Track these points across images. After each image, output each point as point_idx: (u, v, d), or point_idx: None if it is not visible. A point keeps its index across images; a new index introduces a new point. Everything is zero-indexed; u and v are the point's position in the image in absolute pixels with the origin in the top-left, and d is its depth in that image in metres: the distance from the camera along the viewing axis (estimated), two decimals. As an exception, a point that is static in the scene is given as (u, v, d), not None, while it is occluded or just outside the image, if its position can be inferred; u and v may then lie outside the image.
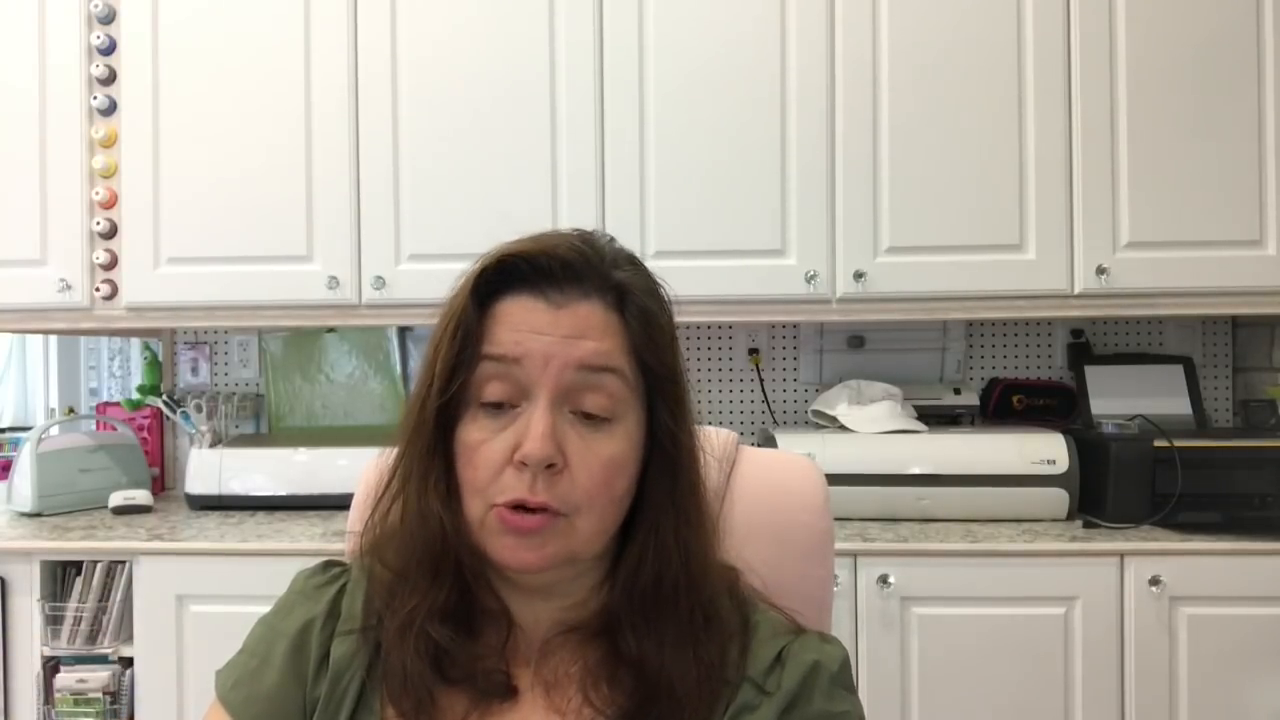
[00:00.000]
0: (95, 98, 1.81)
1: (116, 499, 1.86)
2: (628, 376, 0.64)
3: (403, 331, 2.20)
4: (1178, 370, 1.94)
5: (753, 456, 0.85)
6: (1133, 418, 1.79)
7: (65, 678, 1.61)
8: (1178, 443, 1.64)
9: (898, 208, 1.74)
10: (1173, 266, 1.71)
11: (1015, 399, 2.02)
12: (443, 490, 0.64)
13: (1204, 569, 1.52)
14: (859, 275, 1.74)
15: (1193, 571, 1.52)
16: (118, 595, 1.61)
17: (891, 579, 1.53)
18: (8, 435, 2.44)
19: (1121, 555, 1.53)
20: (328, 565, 0.74)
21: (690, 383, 0.69)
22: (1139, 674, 1.51)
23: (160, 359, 2.21)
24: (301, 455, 1.92)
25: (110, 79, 1.82)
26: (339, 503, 1.77)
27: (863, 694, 0.76)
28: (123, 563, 1.62)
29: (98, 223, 1.81)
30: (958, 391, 1.99)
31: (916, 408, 1.91)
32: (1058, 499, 1.68)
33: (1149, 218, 1.71)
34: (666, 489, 0.66)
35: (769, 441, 1.82)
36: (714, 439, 0.81)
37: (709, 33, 1.76)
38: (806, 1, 1.74)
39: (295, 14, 1.80)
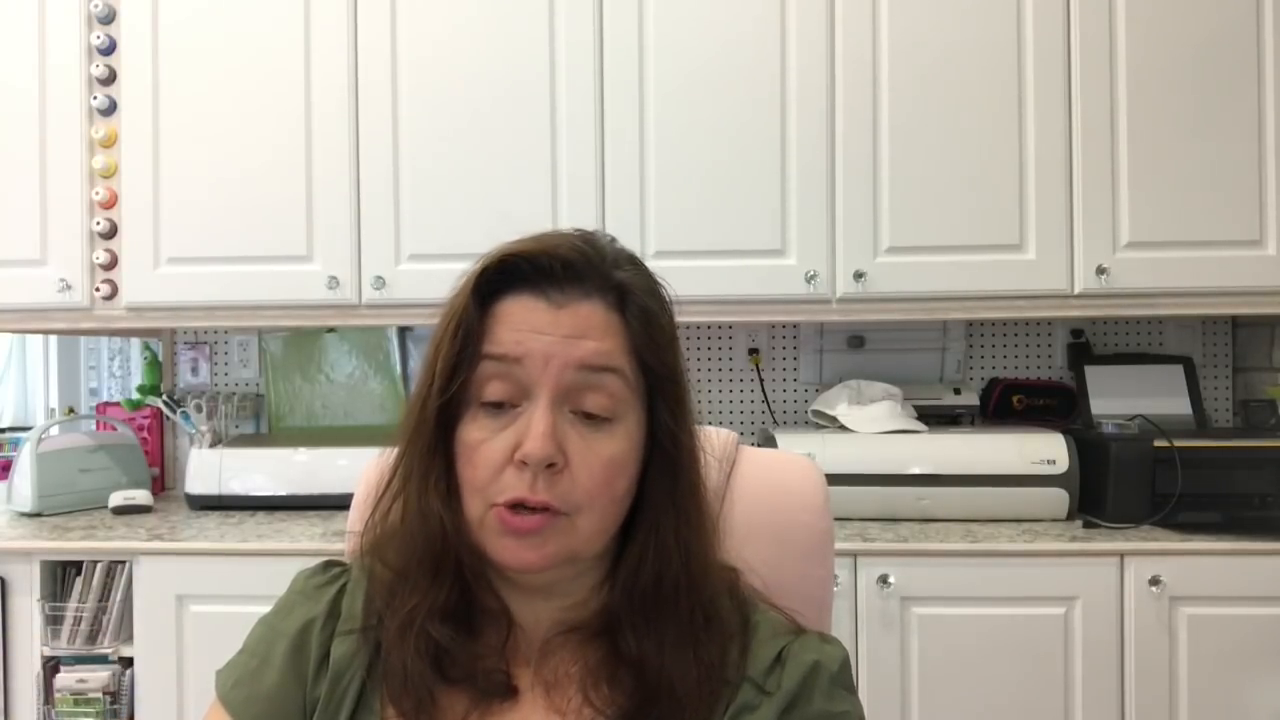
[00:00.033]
0: (95, 98, 1.81)
1: (116, 499, 1.86)
2: (628, 376, 0.64)
3: (403, 331, 2.20)
4: (1178, 370, 1.94)
5: (753, 456, 0.85)
6: (1133, 418, 1.79)
7: (65, 678, 1.61)
8: (1178, 443, 1.64)
9: (898, 208, 1.74)
10: (1173, 266, 1.71)
11: (1015, 399, 2.02)
12: (443, 489, 0.64)
13: (1204, 569, 1.52)
14: (859, 275, 1.74)
15: (1193, 571, 1.52)
16: (118, 595, 1.61)
17: (891, 579, 1.53)
18: (8, 435, 2.44)
19: (1121, 555, 1.53)
20: (328, 565, 0.74)
21: (690, 383, 0.69)
22: (1139, 674, 1.51)
23: (160, 359, 2.21)
24: (301, 455, 1.92)
25: (110, 79, 1.82)
26: (339, 503, 1.77)
27: (863, 694, 0.76)
28: (123, 563, 1.62)
29: (98, 223, 1.81)
30: (958, 391, 1.99)
31: (916, 408, 1.91)
32: (1058, 499, 1.68)
33: (1149, 218, 1.71)
34: (667, 489, 0.66)
35: (769, 441, 1.82)
36: (714, 439, 0.81)
37: (709, 33, 1.76)
38: (806, 1, 1.74)
39: (295, 14, 1.80)
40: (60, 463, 1.90)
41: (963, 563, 1.54)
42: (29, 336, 2.46)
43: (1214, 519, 1.62)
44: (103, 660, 1.62)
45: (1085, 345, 2.06)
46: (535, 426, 0.60)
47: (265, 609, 0.73)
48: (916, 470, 1.70)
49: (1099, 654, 1.52)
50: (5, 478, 1.97)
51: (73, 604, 1.62)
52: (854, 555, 1.55)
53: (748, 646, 0.66)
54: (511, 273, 0.64)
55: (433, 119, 1.79)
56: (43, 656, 1.62)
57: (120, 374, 2.28)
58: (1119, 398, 1.91)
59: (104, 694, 1.61)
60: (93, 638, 1.62)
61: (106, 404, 2.23)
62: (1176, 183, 1.71)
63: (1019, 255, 1.73)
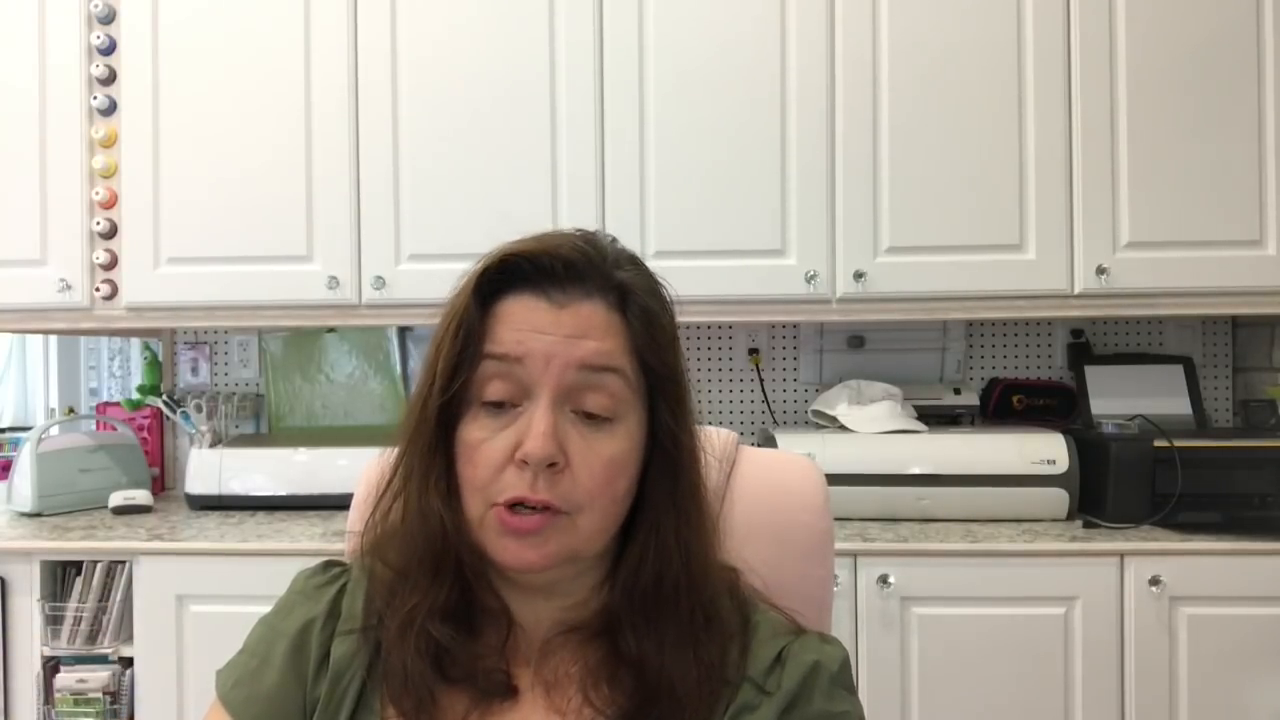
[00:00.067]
0: (95, 98, 1.81)
1: (116, 499, 1.86)
2: (629, 376, 0.64)
3: (403, 331, 2.20)
4: (1178, 370, 1.94)
5: (753, 456, 0.85)
6: (1133, 418, 1.79)
7: (65, 678, 1.61)
8: (1178, 443, 1.64)
9: (898, 208, 1.74)
10: (1173, 266, 1.71)
11: (1015, 399, 2.02)
12: (443, 489, 0.64)
13: (1204, 569, 1.52)
14: (859, 275, 1.74)
15: (1193, 571, 1.52)
16: (118, 595, 1.61)
17: (891, 579, 1.53)
18: (8, 435, 2.44)
19: (1121, 555, 1.53)
20: (328, 565, 0.74)
21: (690, 383, 0.69)
22: (1139, 674, 1.51)
23: (160, 359, 2.21)
24: (301, 455, 1.92)
25: (110, 79, 1.82)
26: (339, 503, 1.77)
27: (863, 694, 0.76)
28: (123, 563, 1.62)
29: (98, 223, 1.81)
30: (958, 391, 1.99)
31: (916, 408, 1.91)
32: (1058, 499, 1.68)
33: (1149, 218, 1.71)
34: (667, 489, 0.66)
35: (769, 441, 1.82)
36: (714, 439, 0.81)
37: (708, 33, 1.76)
38: (806, 1, 1.74)
39: (295, 14, 1.80)
40: (60, 463, 1.90)
41: (963, 563, 1.54)
42: (29, 336, 2.46)
43: (1214, 519, 1.62)
44: (103, 660, 1.62)
45: (1085, 345, 2.06)
46: (536, 426, 0.60)
47: (265, 609, 0.73)
48: (916, 470, 1.70)
49: (1099, 654, 1.52)
50: (5, 478, 1.97)
51: (73, 604, 1.62)
52: (854, 555, 1.55)
53: (748, 646, 0.66)
54: (513, 272, 0.64)
55: (433, 119, 1.79)
56: (43, 656, 1.62)
57: (120, 374, 2.28)
58: (1119, 398, 1.91)
59: (104, 694, 1.61)
60: (93, 638, 1.62)
61: (106, 404, 2.23)
62: (1176, 183, 1.71)
63: (1019, 255, 1.73)
